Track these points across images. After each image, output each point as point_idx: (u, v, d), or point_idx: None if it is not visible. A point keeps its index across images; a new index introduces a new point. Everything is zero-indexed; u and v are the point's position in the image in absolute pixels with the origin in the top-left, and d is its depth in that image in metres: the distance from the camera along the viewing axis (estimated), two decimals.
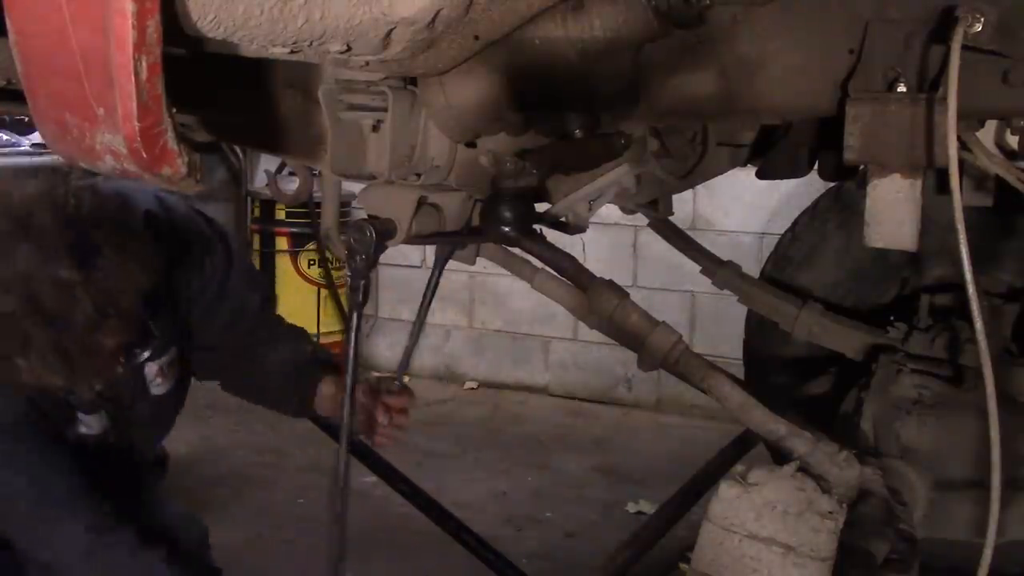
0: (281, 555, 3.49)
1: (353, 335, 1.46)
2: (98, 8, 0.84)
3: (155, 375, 2.10)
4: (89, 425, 2.05)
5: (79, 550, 1.93)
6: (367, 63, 1.16)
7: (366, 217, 1.49)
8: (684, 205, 4.77)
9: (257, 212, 5.67)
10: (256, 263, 5.56)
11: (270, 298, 2.45)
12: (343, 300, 5.72)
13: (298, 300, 5.31)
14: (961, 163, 1.31)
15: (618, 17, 1.25)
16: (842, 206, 2.64)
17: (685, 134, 1.95)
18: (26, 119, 4.06)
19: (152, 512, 2.18)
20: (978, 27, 1.21)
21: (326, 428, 3.02)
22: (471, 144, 1.49)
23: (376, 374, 2.12)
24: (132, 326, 1.86)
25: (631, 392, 5.37)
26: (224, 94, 1.47)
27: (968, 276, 1.24)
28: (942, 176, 1.56)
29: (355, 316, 1.46)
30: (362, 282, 1.42)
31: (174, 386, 2.15)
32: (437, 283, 1.82)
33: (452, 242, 1.72)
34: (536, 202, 1.62)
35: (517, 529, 3.73)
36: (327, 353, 2.24)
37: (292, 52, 1.05)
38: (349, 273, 1.42)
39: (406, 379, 2.11)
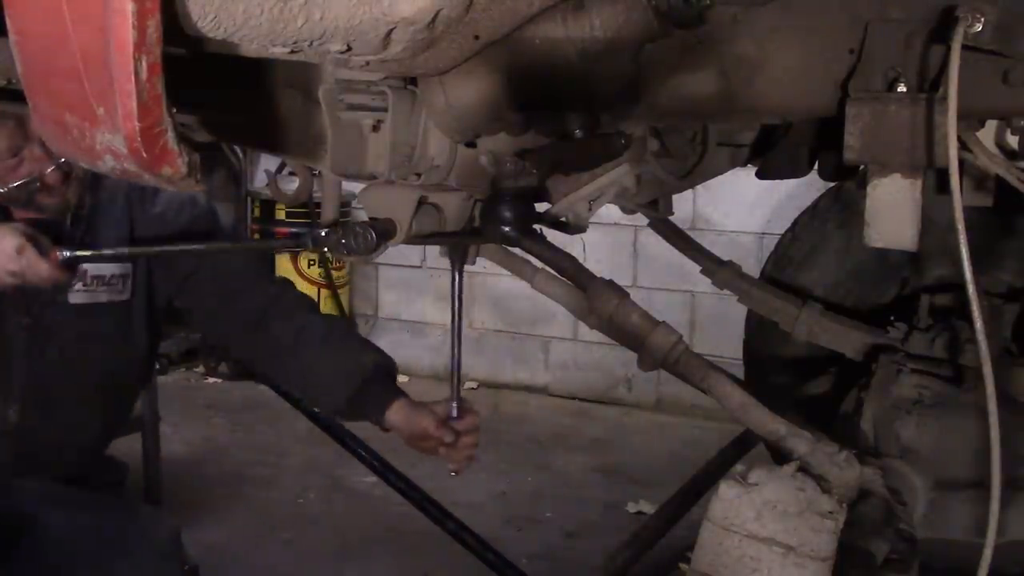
0: (281, 555, 3.49)
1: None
2: (98, 8, 0.84)
3: (78, 279, 2.12)
4: None
5: None
6: (367, 63, 1.16)
7: (366, 217, 1.49)
8: (684, 205, 4.77)
9: (257, 212, 5.68)
10: None
11: (272, 275, 2.46)
12: (343, 300, 5.72)
13: None
14: (961, 163, 1.31)
15: (618, 17, 1.25)
16: (842, 206, 2.64)
17: (685, 134, 1.95)
18: None
19: (120, 508, 2.18)
20: (978, 27, 1.21)
21: (327, 428, 3.02)
22: (471, 144, 1.49)
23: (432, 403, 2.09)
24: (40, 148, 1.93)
25: (631, 392, 5.38)
26: (224, 94, 1.47)
27: (968, 276, 1.24)
28: (942, 176, 1.56)
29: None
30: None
31: (105, 317, 2.17)
32: (461, 288, 1.80)
33: (452, 242, 1.72)
34: (536, 202, 1.62)
35: (517, 529, 3.74)
36: (388, 361, 2.20)
37: (292, 52, 1.05)
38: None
39: (463, 386, 2.08)
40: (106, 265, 2.17)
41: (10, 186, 2.01)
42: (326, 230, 1.50)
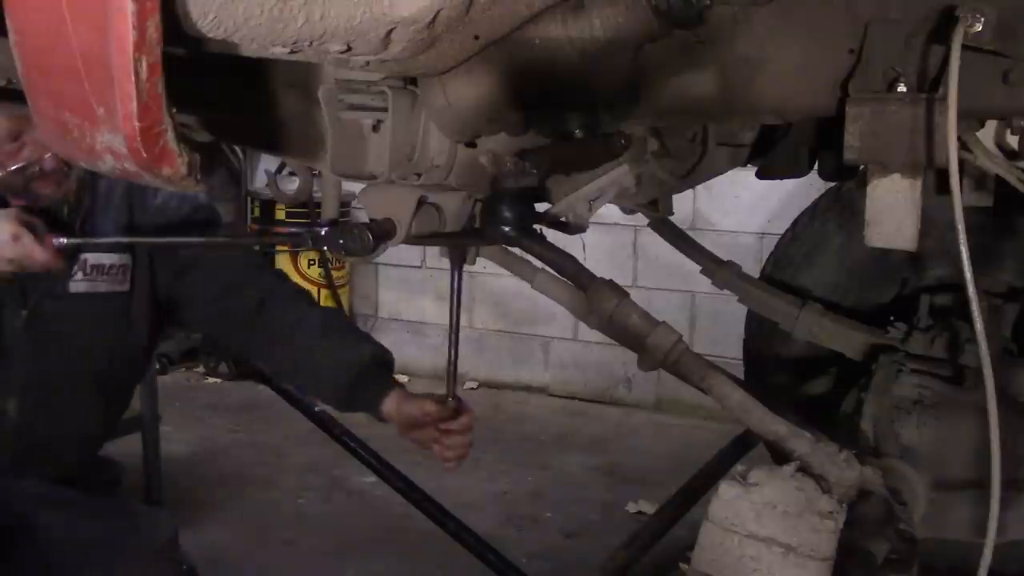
0: (281, 555, 3.49)
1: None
2: (98, 8, 0.84)
3: (78, 268, 2.12)
4: None
5: None
6: (367, 63, 1.16)
7: (366, 217, 1.49)
8: (684, 205, 4.77)
9: (257, 212, 5.67)
10: None
11: (275, 271, 2.47)
12: (343, 300, 5.72)
13: None
14: (961, 163, 1.31)
15: (618, 17, 1.25)
16: (842, 206, 2.64)
17: (685, 134, 1.95)
18: None
19: (117, 509, 2.18)
20: (978, 27, 1.21)
21: (327, 428, 3.02)
22: (471, 144, 1.49)
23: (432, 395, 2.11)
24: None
25: (631, 392, 5.37)
26: (224, 94, 1.47)
27: (968, 276, 1.24)
28: (942, 176, 1.56)
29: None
30: None
31: (105, 307, 2.16)
32: (460, 287, 1.81)
33: (452, 243, 1.72)
34: (536, 202, 1.62)
35: (517, 529, 3.74)
36: (385, 353, 2.23)
37: (292, 52, 1.05)
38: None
39: (463, 386, 2.12)
40: (106, 255, 2.16)
41: (8, 169, 1.98)
42: (325, 229, 1.50)
